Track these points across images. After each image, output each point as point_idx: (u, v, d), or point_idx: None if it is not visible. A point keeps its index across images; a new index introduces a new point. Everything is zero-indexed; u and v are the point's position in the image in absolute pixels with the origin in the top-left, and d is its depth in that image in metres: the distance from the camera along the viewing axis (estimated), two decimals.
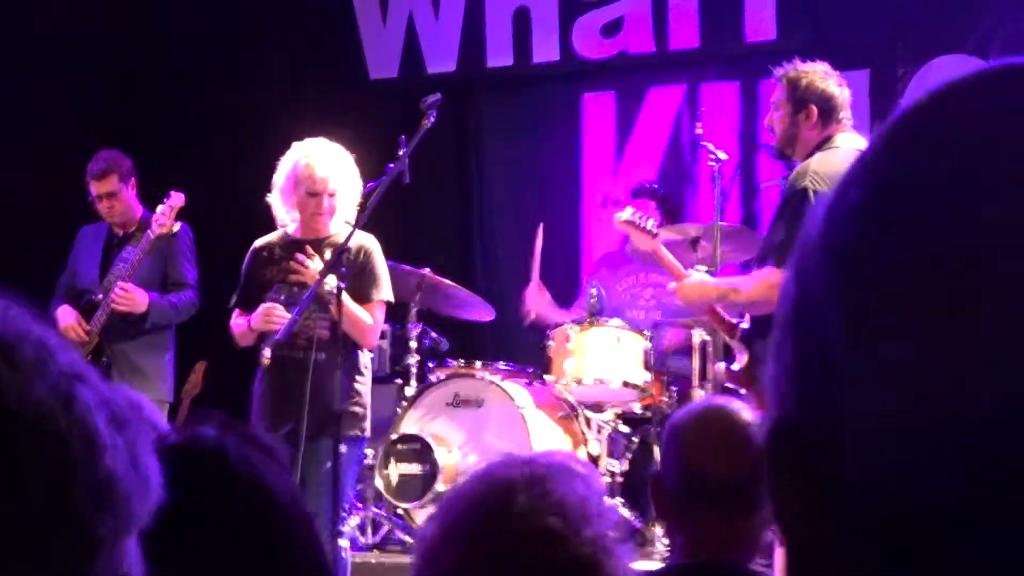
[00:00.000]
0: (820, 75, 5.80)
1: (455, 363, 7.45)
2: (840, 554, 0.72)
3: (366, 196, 6.39)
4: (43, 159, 8.85)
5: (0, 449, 0.83)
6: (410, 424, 7.07)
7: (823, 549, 0.73)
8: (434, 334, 7.70)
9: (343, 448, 6.16)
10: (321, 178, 6.36)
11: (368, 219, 6.33)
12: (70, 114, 9.26)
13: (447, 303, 7.79)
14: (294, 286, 6.35)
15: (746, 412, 3.11)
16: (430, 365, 7.52)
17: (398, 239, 7.79)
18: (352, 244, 6.38)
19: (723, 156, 7.14)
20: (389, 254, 7.04)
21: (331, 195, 6.35)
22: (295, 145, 6.51)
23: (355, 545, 6.80)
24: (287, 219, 6.54)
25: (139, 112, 9.50)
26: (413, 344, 7.47)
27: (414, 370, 7.43)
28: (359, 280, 6.37)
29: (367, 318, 6.32)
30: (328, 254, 6.34)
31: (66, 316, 7.42)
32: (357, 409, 6.33)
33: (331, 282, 6.20)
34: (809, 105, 5.69)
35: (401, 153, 6.36)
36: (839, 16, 8.30)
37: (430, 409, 7.19)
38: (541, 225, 7.96)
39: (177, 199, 7.18)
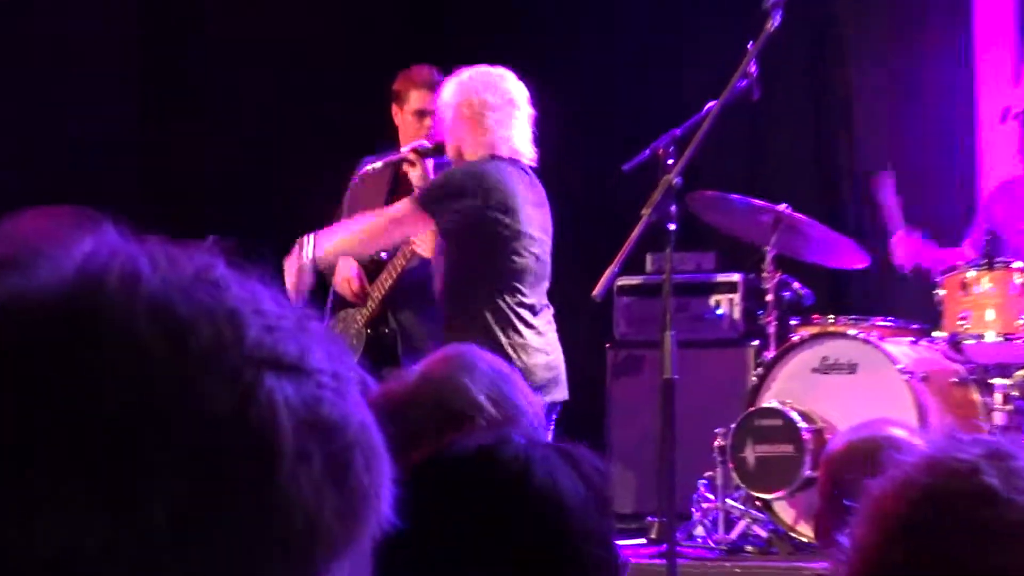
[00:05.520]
0: None
1: (822, 319, 7.15)
2: None
3: (700, 119, 6.13)
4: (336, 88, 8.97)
5: (154, 448, 0.80)
6: (770, 395, 6.85)
7: None
8: (796, 285, 7.29)
9: None
10: None
11: (705, 146, 6.03)
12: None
13: (810, 247, 7.40)
14: None
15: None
16: (792, 323, 7.21)
17: (746, 168, 8.11)
18: None
19: None
20: (735, 187, 7.19)
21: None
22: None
23: (706, 545, 6.65)
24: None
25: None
26: (770, 297, 7.14)
27: (772, 329, 7.15)
28: None
29: None
30: None
31: (347, 267, 7.02)
32: None
33: None
34: None
35: (747, 64, 6.07)
36: None
37: (793, 376, 6.93)
38: (887, 171, 7.73)
39: None
